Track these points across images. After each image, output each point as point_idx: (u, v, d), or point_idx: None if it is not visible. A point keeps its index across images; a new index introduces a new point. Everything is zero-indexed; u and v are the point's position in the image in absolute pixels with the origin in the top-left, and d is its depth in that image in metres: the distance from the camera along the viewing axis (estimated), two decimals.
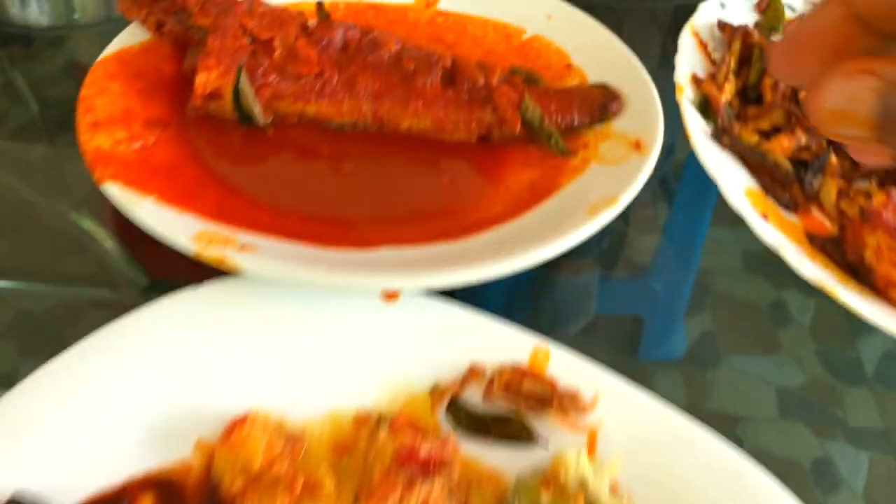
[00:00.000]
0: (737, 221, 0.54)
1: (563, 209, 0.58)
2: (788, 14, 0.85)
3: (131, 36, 0.69)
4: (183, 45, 0.70)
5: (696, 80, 0.72)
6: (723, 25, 0.79)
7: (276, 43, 0.64)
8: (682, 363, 0.50)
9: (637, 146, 0.62)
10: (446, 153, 0.65)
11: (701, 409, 0.45)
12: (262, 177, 0.61)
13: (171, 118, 0.64)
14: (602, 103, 0.67)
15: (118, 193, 0.54)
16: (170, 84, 0.67)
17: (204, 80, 0.63)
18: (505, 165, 0.64)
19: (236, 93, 0.63)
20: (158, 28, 0.69)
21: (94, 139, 0.58)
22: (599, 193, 0.58)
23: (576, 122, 0.66)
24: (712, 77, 0.74)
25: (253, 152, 0.63)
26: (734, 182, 0.62)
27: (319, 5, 0.68)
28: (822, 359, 0.54)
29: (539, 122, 0.65)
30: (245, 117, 0.64)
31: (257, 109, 0.64)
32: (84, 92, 0.62)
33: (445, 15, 0.81)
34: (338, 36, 0.66)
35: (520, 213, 0.59)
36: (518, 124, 0.65)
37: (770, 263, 0.52)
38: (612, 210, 0.56)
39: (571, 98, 0.67)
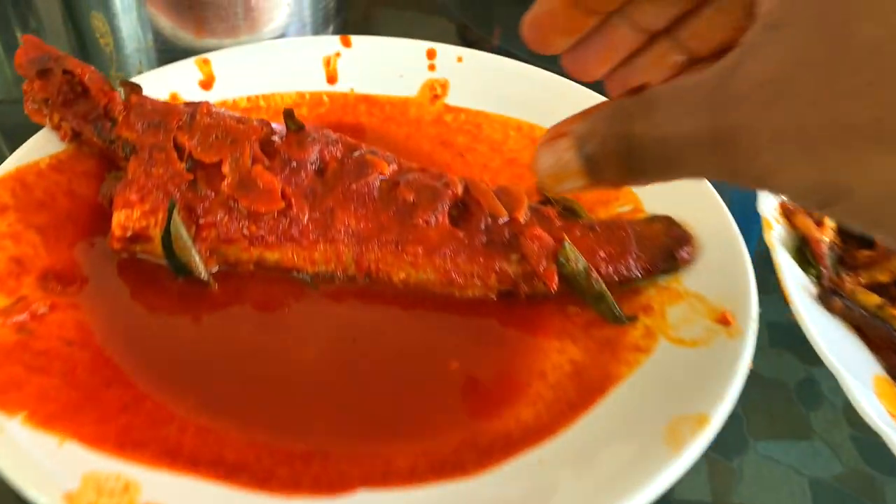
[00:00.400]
0: (762, 288, 0.46)
1: (626, 426, 0.40)
2: None
3: (39, 146, 0.52)
4: (109, 158, 0.53)
5: (786, 211, 0.55)
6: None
7: (226, 168, 0.47)
8: (706, 450, 0.42)
9: (723, 320, 0.44)
10: (456, 320, 0.47)
11: (728, 502, 0.39)
12: (194, 368, 0.43)
13: (82, 269, 0.47)
14: (667, 246, 0.49)
15: None
16: (87, 216, 0.50)
17: (123, 220, 0.46)
18: (536, 338, 0.47)
19: (167, 237, 0.46)
20: (74, 138, 0.52)
21: None
22: (679, 400, 0.40)
23: (632, 274, 0.49)
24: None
25: (186, 326, 0.45)
26: (860, 370, 0.44)
27: (288, 114, 0.51)
28: (859, 445, 0.49)
29: (584, 278, 0.47)
30: (180, 268, 0.47)
31: (197, 260, 0.46)
32: None
33: (455, 111, 0.64)
34: (311, 155, 0.49)
35: (559, 426, 0.41)
36: (555, 280, 0.47)
37: (797, 337, 0.46)
38: (701, 435, 0.38)
39: (625, 239, 0.49)
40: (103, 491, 0.34)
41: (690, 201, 0.51)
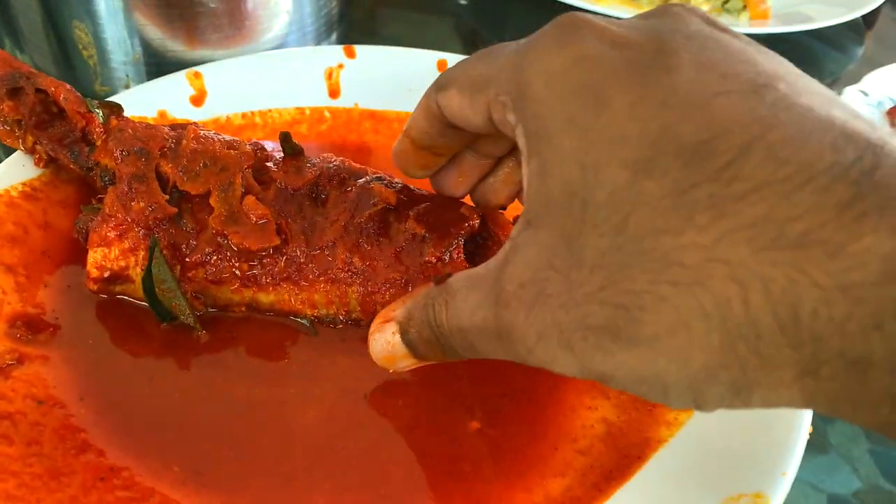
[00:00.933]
0: None
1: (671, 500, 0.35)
2: None
3: (10, 172, 0.47)
4: (90, 185, 0.48)
5: None
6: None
7: (214, 200, 0.42)
8: None
9: None
10: (475, 370, 0.42)
11: None
12: (179, 431, 0.37)
13: (55, 313, 0.42)
14: None
15: None
16: (64, 252, 0.45)
17: (99, 260, 0.41)
18: (566, 392, 0.41)
19: (148, 279, 0.41)
20: (50, 162, 0.47)
21: None
22: (730, 473, 0.35)
23: None
24: None
25: (171, 381, 0.40)
26: None
27: (284, 137, 0.46)
28: (878, 460, 0.47)
29: None
30: (164, 314, 0.42)
31: (182, 304, 0.41)
32: None
33: None
34: (310, 183, 0.43)
35: (594, 501, 0.36)
36: None
37: None
38: None
39: None
40: None
41: None
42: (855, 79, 0.68)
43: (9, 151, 0.48)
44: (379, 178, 0.45)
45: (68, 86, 0.46)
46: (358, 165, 0.46)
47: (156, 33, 0.60)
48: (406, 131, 0.38)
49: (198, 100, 0.57)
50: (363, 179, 0.44)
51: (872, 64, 0.70)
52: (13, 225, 0.45)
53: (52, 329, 0.41)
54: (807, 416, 0.37)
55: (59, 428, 0.37)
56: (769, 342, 0.23)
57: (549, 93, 0.28)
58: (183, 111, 0.56)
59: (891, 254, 0.21)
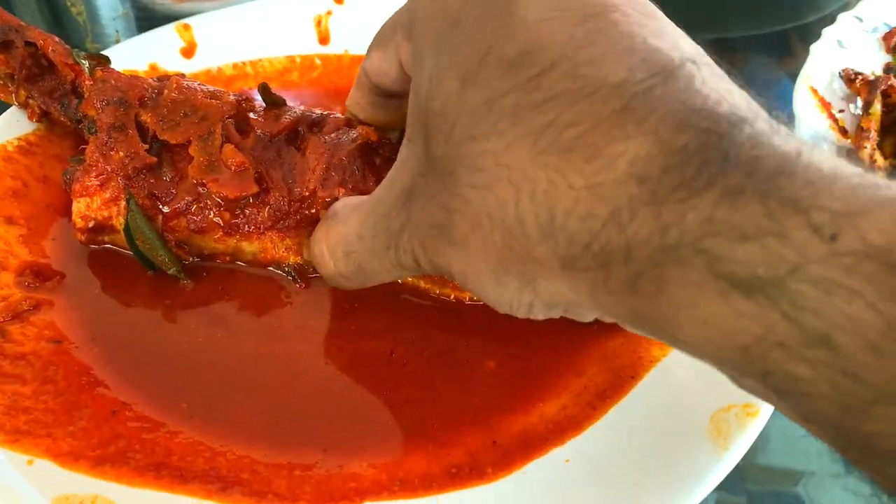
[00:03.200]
0: None
1: (664, 418, 0.36)
2: None
3: (7, 128, 0.48)
4: (82, 137, 0.49)
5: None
6: (851, 76, 0.56)
7: (194, 148, 0.41)
8: None
9: None
10: (498, 326, 0.41)
11: (756, 463, 0.37)
12: (185, 373, 0.38)
13: (62, 264, 0.43)
14: None
15: None
16: (66, 204, 0.45)
17: (83, 210, 0.42)
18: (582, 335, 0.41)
19: (128, 231, 0.41)
20: (43, 116, 0.48)
21: None
22: (722, 386, 0.36)
23: None
24: (848, 155, 0.51)
25: (173, 327, 0.41)
26: None
27: (263, 89, 0.45)
28: None
29: None
30: (149, 264, 0.42)
31: (163, 254, 0.42)
32: None
33: None
34: (288, 130, 0.43)
35: (588, 419, 0.37)
36: None
37: None
38: (749, 428, 0.34)
39: None
40: None
41: None
42: (853, 5, 0.67)
43: (2, 109, 0.49)
44: (360, 122, 0.44)
45: (56, 38, 0.46)
46: (342, 117, 0.46)
47: None
48: (348, 111, 0.42)
49: (188, 52, 0.57)
50: (344, 130, 0.44)
51: None
52: (12, 179, 0.46)
53: (58, 277, 0.42)
54: None
55: (73, 365, 0.38)
56: (533, 240, 0.26)
57: (427, 18, 0.31)
58: (174, 63, 0.56)
59: (636, 157, 0.23)
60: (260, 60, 0.58)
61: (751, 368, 0.22)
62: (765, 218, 0.22)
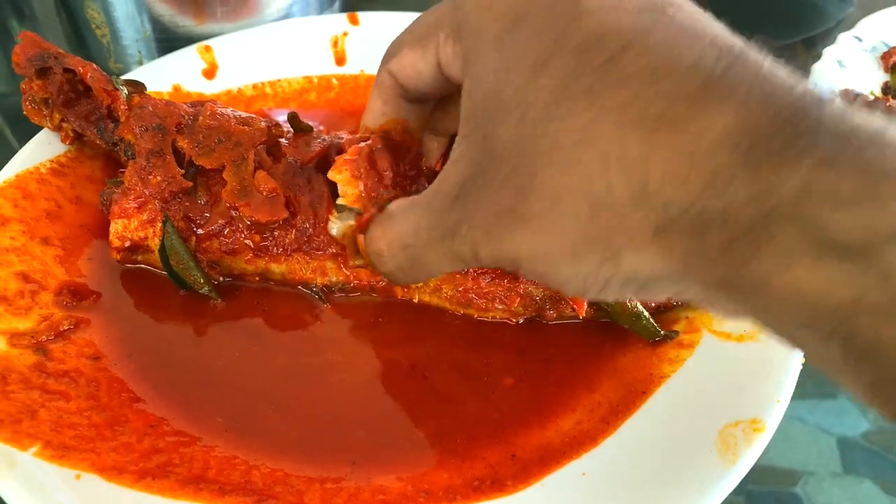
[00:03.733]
0: None
1: (674, 432, 0.38)
2: None
3: (39, 150, 0.50)
4: (115, 160, 0.51)
5: None
6: (851, 97, 0.58)
7: (228, 173, 0.43)
8: None
9: None
10: (519, 342, 0.44)
11: (756, 464, 0.37)
12: (218, 388, 0.40)
13: (98, 283, 0.44)
14: None
15: None
16: (98, 224, 0.47)
17: (120, 231, 0.44)
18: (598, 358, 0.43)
19: (163, 251, 0.43)
20: (77, 139, 0.50)
21: None
22: (729, 403, 0.38)
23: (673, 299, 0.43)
24: None
25: (194, 344, 0.43)
26: None
27: (293, 117, 0.47)
28: None
29: (618, 302, 0.42)
30: (182, 283, 0.44)
31: (196, 274, 0.44)
32: None
33: None
34: (318, 157, 0.45)
35: (601, 433, 0.39)
36: (584, 305, 0.43)
37: None
38: (756, 443, 0.36)
39: None
40: None
41: None
42: (853, 24, 0.69)
43: (25, 132, 0.50)
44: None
45: (94, 65, 0.48)
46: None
47: (165, 9, 0.61)
48: (363, 124, 0.41)
49: (210, 73, 0.58)
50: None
51: (868, 9, 0.70)
52: (45, 201, 0.47)
53: (94, 296, 0.44)
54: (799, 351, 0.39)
55: (113, 381, 0.40)
56: (625, 209, 0.26)
57: (479, 19, 0.31)
58: (196, 84, 0.58)
59: (727, 128, 0.25)
60: (279, 81, 0.60)
61: (836, 332, 0.24)
62: (861, 186, 0.23)
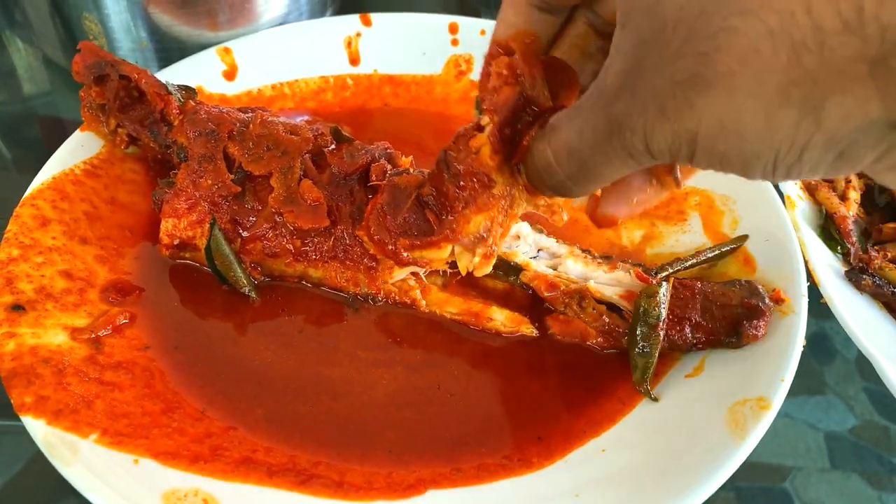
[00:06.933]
0: None
1: (686, 411, 0.41)
2: None
3: (73, 152, 0.52)
4: (147, 162, 0.53)
5: (808, 187, 0.54)
6: None
7: (274, 181, 0.46)
8: None
9: (776, 298, 0.44)
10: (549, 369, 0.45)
11: (746, 461, 0.37)
12: (257, 382, 0.43)
13: (139, 277, 0.47)
14: (736, 318, 0.43)
15: (45, 436, 0.36)
16: (135, 224, 0.49)
17: (170, 229, 0.46)
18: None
19: (209, 251, 0.46)
20: (131, 143, 0.52)
21: (11, 338, 0.40)
22: (738, 383, 0.40)
23: (686, 342, 0.44)
24: (829, 181, 0.55)
25: (235, 341, 0.45)
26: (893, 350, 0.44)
27: (335, 131, 0.49)
28: (872, 397, 0.49)
29: (650, 325, 0.43)
30: (224, 280, 0.47)
31: (239, 274, 0.46)
32: None
33: None
34: (361, 170, 0.47)
35: (619, 414, 0.42)
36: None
37: (809, 292, 0.44)
38: (763, 419, 0.38)
39: (687, 300, 0.43)
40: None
41: (743, 190, 0.51)
42: None
43: (16, 143, 0.52)
44: (421, 172, 0.45)
45: (148, 72, 0.50)
46: (405, 160, 0.48)
47: (162, 20, 0.62)
48: (494, 35, 0.37)
49: (230, 74, 0.60)
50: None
51: None
52: (81, 201, 0.49)
53: (138, 292, 0.46)
54: (800, 329, 0.42)
55: (164, 370, 0.42)
56: (836, 43, 0.23)
57: None
58: (218, 86, 0.60)
59: None
60: (296, 81, 0.62)
61: None
62: None
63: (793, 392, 0.46)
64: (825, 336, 0.52)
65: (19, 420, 0.37)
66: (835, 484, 0.45)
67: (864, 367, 0.47)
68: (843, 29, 0.23)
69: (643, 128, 0.28)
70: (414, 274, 0.46)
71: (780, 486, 0.43)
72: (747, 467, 0.38)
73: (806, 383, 0.50)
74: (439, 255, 0.41)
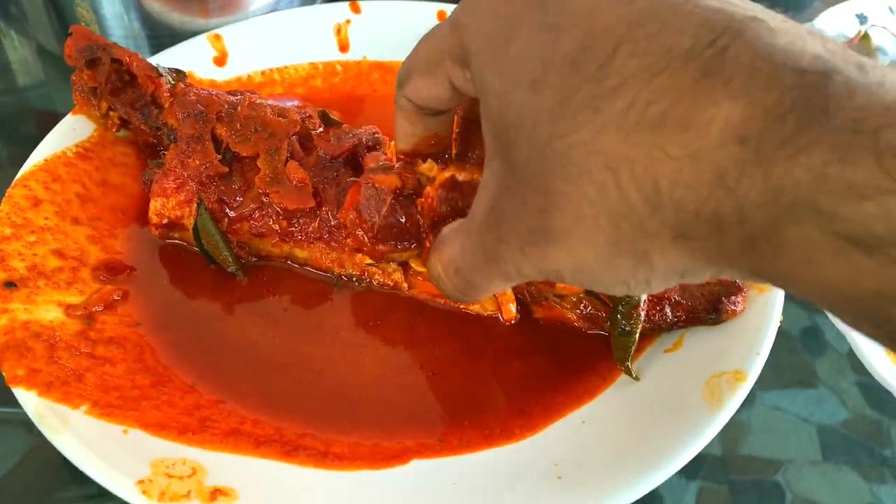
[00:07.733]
0: None
1: (665, 382, 0.42)
2: (881, 59, 0.68)
3: (65, 135, 0.52)
4: (138, 145, 0.54)
5: None
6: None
7: (261, 161, 0.46)
8: None
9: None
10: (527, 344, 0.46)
11: (737, 454, 0.38)
12: (243, 362, 0.44)
13: (131, 256, 0.48)
14: (714, 295, 0.44)
15: (36, 406, 0.37)
16: (126, 205, 0.50)
17: (159, 208, 0.47)
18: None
19: (196, 231, 0.46)
20: (122, 126, 0.53)
21: (3, 314, 0.41)
22: (715, 357, 0.42)
23: (667, 321, 0.44)
24: None
25: (222, 319, 0.46)
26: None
27: (323, 115, 0.50)
28: (864, 391, 0.49)
29: (631, 306, 0.43)
30: (211, 259, 0.48)
31: (225, 254, 0.47)
32: None
33: None
34: (347, 152, 0.47)
35: (599, 387, 0.43)
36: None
37: None
38: (739, 390, 0.39)
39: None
40: (173, 475, 0.36)
41: None
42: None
43: (10, 137, 0.53)
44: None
45: (139, 55, 0.51)
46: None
47: (153, 7, 0.63)
48: (397, 148, 0.41)
49: (221, 60, 0.61)
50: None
51: (832, 1, 0.71)
52: (73, 183, 0.50)
53: (129, 270, 0.47)
54: (777, 305, 0.43)
55: (154, 346, 0.43)
56: (641, 215, 0.26)
57: (477, 43, 0.30)
58: (208, 72, 0.60)
59: (728, 119, 0.24)
60: (286, 67, 0.63)
61: (869, 318, 0.23)
62: (880, 175, 0.21)
63: (784, 385, 0.48)
64: (817, 329, 0.52)
65: (20, 409, 0.38)
66: (827, 476, 0.45)
67: (856, 361, 0.47)
68: (644, 204, 0.26)
69: (513, 260, 0.31)
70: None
71: (772, 479, 0.43)
72: (739, 460, 0.38)
73: (798, 377, 0.50)
74: (418, 259, 0.42)
